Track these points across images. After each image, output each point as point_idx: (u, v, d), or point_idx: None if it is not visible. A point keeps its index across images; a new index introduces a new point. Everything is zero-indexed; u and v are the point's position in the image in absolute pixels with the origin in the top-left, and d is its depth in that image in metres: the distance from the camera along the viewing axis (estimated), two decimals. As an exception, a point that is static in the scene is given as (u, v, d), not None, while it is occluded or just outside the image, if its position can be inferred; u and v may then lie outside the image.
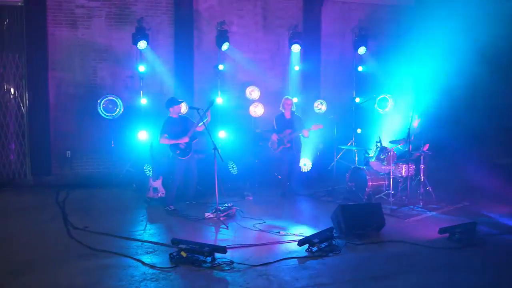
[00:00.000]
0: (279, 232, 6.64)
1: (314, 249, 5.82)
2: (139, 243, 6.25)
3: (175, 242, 5.70)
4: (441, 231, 6.40)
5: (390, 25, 12.15)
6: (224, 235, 6.62)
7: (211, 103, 7.95)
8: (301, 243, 5.87)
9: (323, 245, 5.91)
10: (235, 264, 5.42)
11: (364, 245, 6.18)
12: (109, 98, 9.65)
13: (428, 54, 12.11)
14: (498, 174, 9.97)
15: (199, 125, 7.81)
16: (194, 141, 8.01)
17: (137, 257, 5.67)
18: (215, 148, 7.24)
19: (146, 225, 7.14)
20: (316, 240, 5.86)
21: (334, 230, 6.38)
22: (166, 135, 7.83)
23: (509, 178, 9.68)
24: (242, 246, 6.09)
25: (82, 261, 5.55)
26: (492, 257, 5.87)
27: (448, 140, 10.65)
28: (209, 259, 5.45)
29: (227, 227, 6.94)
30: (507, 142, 11.85)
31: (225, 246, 5.66)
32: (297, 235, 6.46)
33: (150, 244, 6.19)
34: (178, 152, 7.85)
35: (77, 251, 5.92)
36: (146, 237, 6.52)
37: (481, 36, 9.81)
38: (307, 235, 6.19)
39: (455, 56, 10.10)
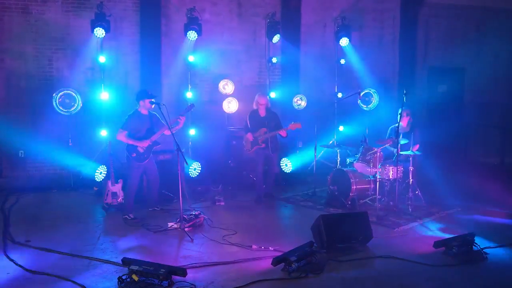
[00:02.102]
0: (251, 246, 5.76)
1: (291, 268, 4.97)
2: (87, 261, 5.32)
3: (126, 262, 4.79)
4: (437, 244, 5.60)
5: (375, 15, 11.38)
6: (188, 251, 5.72)
7: (190, 108, 7.16)
8: (275, 262, 5.02)
9: (301, 264, 5.06)
10: (196, 290, 4.56)
11: (349, 262, 5.35)
12: (66, 92, 8.71)
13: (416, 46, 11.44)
14: (486, 174, 9.39)
15: (173, 127, 6.72)
16: (157, 146, 7.07)
17: (80, 281, 4.73)
18: (178, 149, 6.32)
19: (99, 237, 6.19)
20: (293, 258, 5.01)
21: (315, 244, 5.56)
22: (126, 132, 6.86)
23: (497, 179, 9.11)
24: (207, 265, 5.20)
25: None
26: (497, 278, 5.09)
27: (436, 139, 10.00)
28: (165, 283, 4.56)
29: (192, 240, 6.04)
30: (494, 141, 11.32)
31: (185, 268, 4.78)
32: (272, 250, 5.63)
33: (98, 262, 5.27)
34: (134, 155, 6.85)
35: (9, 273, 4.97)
36: (96, 253, 5.59)
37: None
38: (283, 250, 5.35)
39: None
